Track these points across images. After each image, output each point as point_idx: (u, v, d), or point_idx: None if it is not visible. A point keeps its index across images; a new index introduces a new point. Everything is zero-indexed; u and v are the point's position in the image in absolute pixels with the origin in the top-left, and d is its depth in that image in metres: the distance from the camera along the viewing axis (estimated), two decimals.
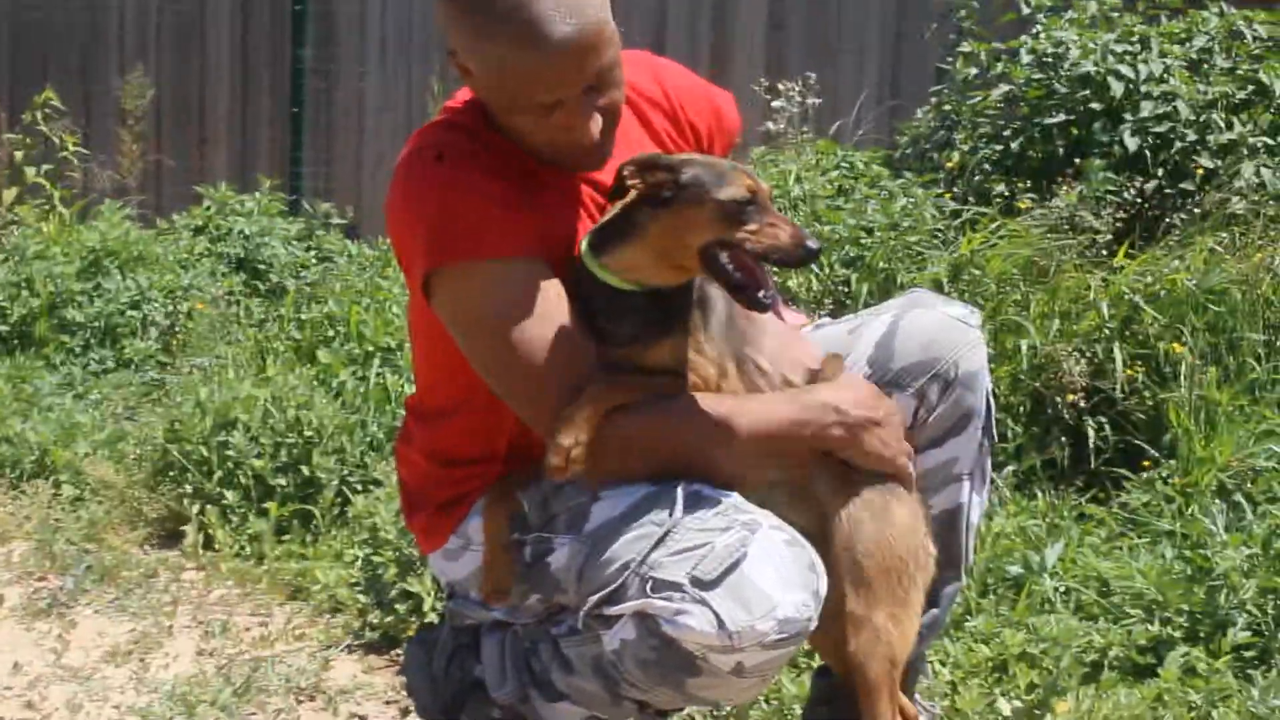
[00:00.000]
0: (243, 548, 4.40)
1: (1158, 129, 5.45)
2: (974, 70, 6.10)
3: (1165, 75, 5.56)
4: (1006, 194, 5.45)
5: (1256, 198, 5.09)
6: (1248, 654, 3.31)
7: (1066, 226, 5.04)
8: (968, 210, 5.35)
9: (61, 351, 6.45)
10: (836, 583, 2.50)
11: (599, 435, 2.40)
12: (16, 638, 3.88)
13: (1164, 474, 4.09)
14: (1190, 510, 3.88)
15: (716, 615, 2.29)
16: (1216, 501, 3.87)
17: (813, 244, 2.37)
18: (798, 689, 3.22)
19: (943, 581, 2.73)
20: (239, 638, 3.87)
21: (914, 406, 2.68)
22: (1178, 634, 3.38)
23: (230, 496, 4.50)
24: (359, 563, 4.02)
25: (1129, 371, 4.37)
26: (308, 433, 4.56)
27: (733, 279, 2.39)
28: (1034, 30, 6.03)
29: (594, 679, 2.49)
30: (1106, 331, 4.46)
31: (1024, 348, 4.43)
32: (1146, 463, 4.19)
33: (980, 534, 2.84)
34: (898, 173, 5.90)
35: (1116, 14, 5.98)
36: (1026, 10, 6.15)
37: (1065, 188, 5.21)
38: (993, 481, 2.90)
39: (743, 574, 2.30)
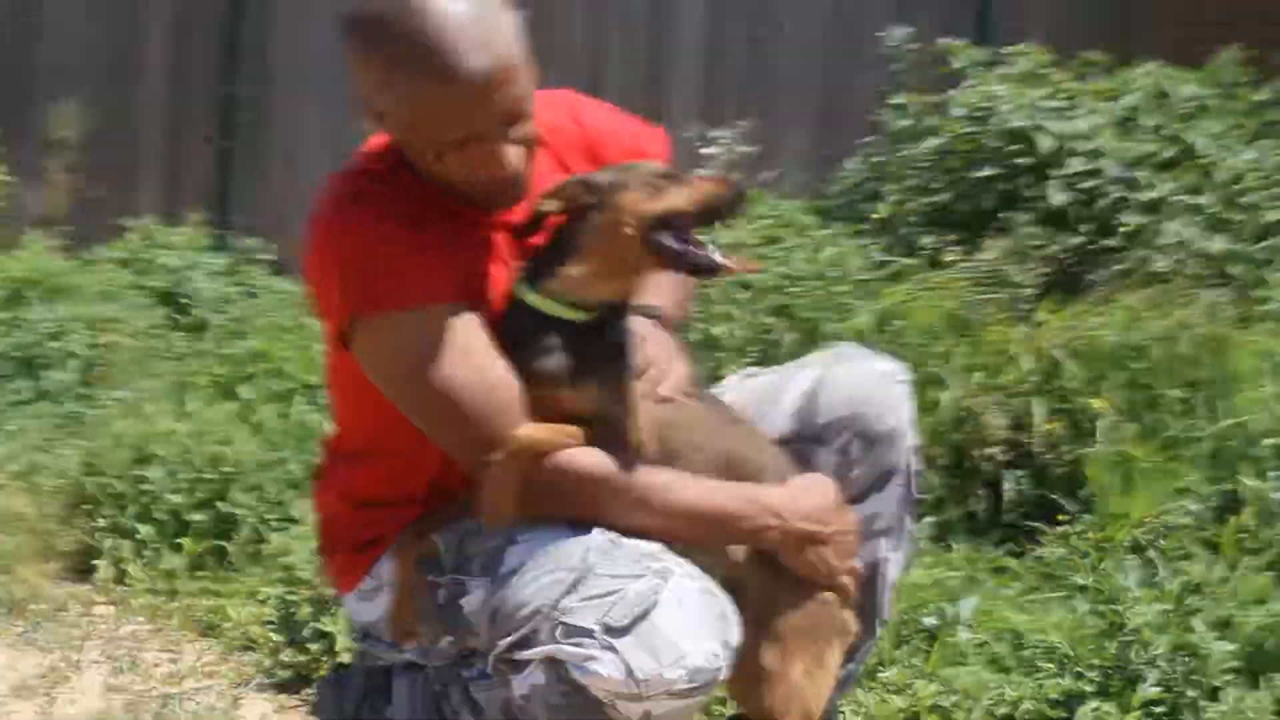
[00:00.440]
0: (155, 583, 4.34)
1: (1084, 185, 5.51)
2: (905, 122, 6.15)
3: (1093, 132, 5.63)
4: (934, 246, 5.49)
5: (1179, 256, 5.16)
6: (1157, 709, 3.31)
7: (991, 280, 5.08)
8: (895, 262, 5.38)
9: None
10: (754, 634, 2.48)
11: (531, 485, 2.40)
12: None
13: (1079, 529, 4.10)
14: (1104, 565, 3.89)
15: (626, 663, 2.28)
16: (1131, 557, 3.88)
17: (740, 184, 2.45)
18: None
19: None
20: (148, 674, 3.81)
21: (836, 462, 2.68)
22: (1089, 688, 3.38)
23: (145, 531, 4.44)
24: (273, 600, 3.97)
25: (1049, 425, 4.40)
26: (226, 468, 4.50)
27: (683, 256, 2.42)
28: (965, 84, 6.10)
29: None
30: (1027, 385, 4.49)
31: (945, 400, 4.45)
32: (1063, 516, 4.21)
33: (897, 588, 2.85)
34: (826, 223, 5.93)
35: (1047, 70, 6.05)
36: (958, 65, 6.22)
37: (991, 242, 5.26)
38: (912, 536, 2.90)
39: (652, 622, 2.29)
